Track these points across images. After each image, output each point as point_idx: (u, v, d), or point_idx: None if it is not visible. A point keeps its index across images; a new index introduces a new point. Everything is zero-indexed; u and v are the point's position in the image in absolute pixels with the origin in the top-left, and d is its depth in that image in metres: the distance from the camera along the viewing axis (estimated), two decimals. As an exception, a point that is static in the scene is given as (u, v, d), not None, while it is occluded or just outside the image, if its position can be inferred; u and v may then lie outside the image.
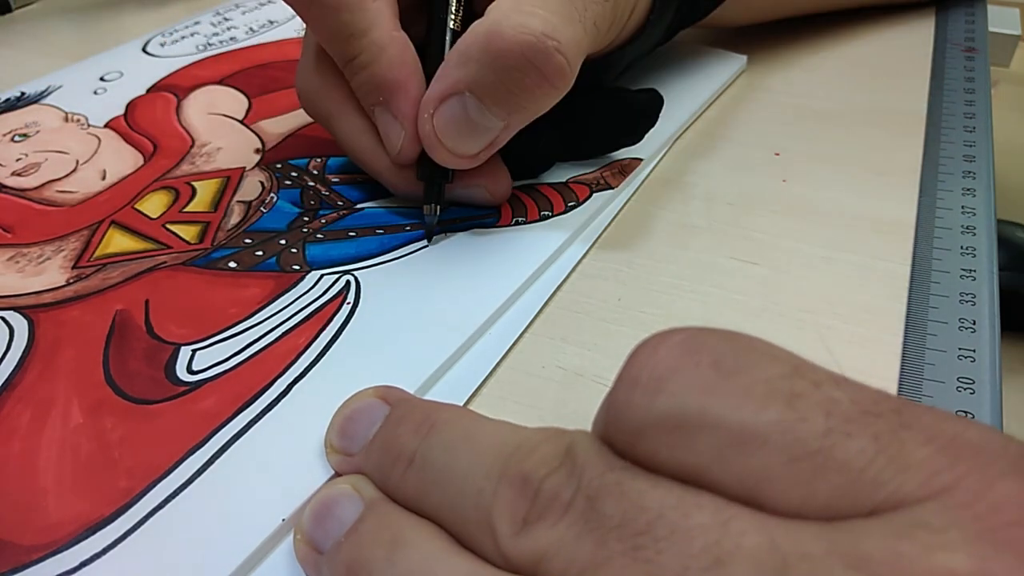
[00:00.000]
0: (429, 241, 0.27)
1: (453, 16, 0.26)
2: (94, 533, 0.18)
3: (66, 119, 0.36)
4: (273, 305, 0.24)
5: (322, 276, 0.25)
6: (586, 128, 0.30)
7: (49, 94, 0.38)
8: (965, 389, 0.22)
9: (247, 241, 0.27)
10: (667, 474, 0.13)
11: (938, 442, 0.12)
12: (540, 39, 0.22)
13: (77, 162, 0.33)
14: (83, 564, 0.17)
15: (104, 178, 0.32)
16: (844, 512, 0.11)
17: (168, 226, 0.28)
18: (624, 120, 0.30)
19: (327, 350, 0.22)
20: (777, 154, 0.32)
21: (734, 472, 0.12)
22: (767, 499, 0.12)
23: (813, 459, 0.12)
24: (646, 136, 0.31)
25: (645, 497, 0.12)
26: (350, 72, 0.26)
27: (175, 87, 0.39)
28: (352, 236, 0.27)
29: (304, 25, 0.28)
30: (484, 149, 0.25)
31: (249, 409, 0.21)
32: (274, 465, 0.19)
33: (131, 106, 0.37)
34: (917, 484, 0.11)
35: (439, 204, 0.26)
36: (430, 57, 0.26)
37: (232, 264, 0.26)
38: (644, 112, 0.30)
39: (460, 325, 0.23)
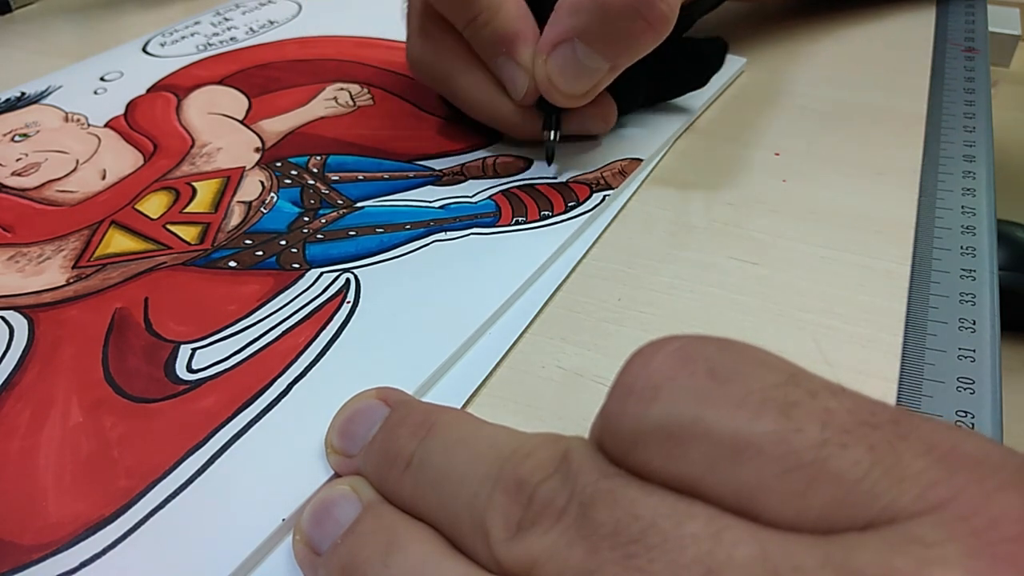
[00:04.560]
0: (550, 163, 0.30)
1: None
2: (94, 533, 0.18)
3: (66, 119, 0.36)
4: (273, 303, 0.24)
5: (322, 274, 0.25)
6: (667, 73, 0.33)
7: (49, 94, 0.38)
8: (965, 389, 0.22)
9: (247, 242, 0.27)
10: (661, 483, 0.13)
11: (936, 453, 0.11)
12: None
13: (77, 162, 0.33)
14: (83, 564, 0.17)
15: (104, 178, 0.32)
16: (839, 525, 0.11)
17: (168, 227, 0.28)
18: (695, 66, 0.33)
19: (327, 350, 0.22)
20: (777, 154, 0.32)
21: (728, 482, 0.12)
22: (761, 510, 0.12)
23: (807, 470, 0.12)
24: (647, 138, 0.31)
25: (638, 505, 0.12)
26: (472, 31, 0.29)
27: (175, 87, 0.39)
28: (352, 235, 0.27)
29: (404, 3, 0.32)
30: (591, 89, 0.28)
31: (249, 409, 0.21)
32: (274, 465, 0.19)
33: (131, 106, 0.37)
34: (913, 497, 0.11)
35: (557, 130, 0.30)
36: (541, 5, 0.28)
37: (232, 264, 0.26)
38: (712, 58, 0.33)
39: (460, 325, 0.23)
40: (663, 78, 0.33)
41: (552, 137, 0.30)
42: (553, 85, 0.27)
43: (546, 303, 0.25)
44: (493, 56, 0.29)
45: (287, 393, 0.21)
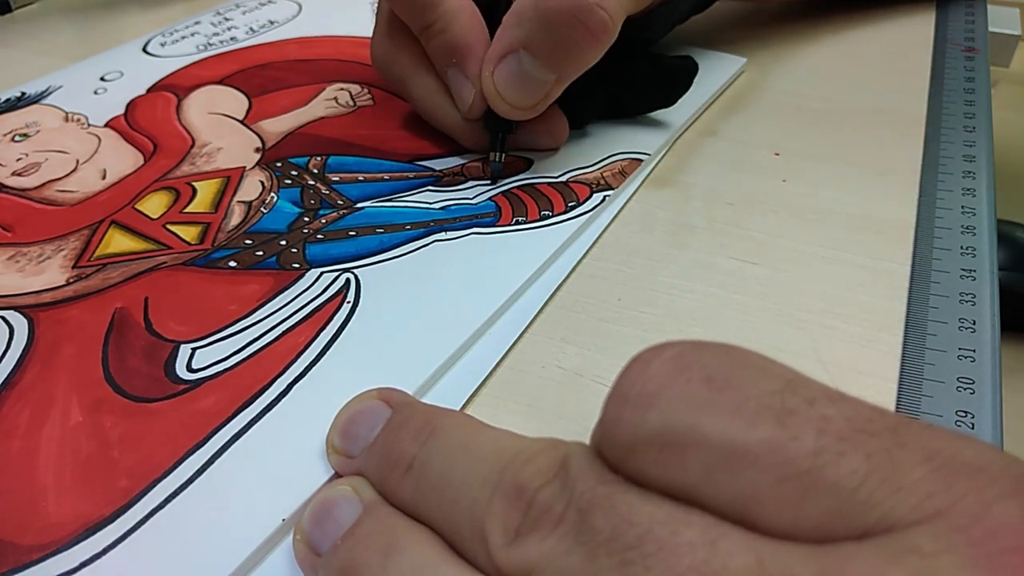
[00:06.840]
0: (494, 183, 0.30)
1: None
2: (94, 533, 0.18)
3: (66, 119, 0.36)
4: (273, 303, 0.24)
5: (322, 274, 0.25)
6: (629, 87, 0.32)
7: (49, 94, 0.38)
8: (965, 389, 0.22)
9: (247, 242, 0.27)
10: (659, 491, 0.13)
11: (935, 462, 0.11)
12: None
13: (77, 162, 0.33)
14: (83, 564, 0.17)
15: (104, 178, 0.32)
16: (835, 534, 0.11)
17: (168, 226, 0.28)
18: (661, 83, 0.32)
19: (327, 349, 0.22)
20: (777, 154, 0.32)
21: (724, 491, 0.12)
22: (757, 519, 0.12)
23: (803, 479, 0.11)
24: (647, 138, 0.31)
25: (635, 512, 0.12)
26: (426, 38, 0.29)
27: (175, 87, 0.39)
28: (352, 235, 0.27)
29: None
30: (540, 101, 0.28)
31: (249, 409, 0.21)
32: (274, 465, 0.19)
33: (131, 106, 0.37)
34: (910, 506, 0.11)
35: (503, 152, 0.30)
36: (499, 19, 0.28)
37: (232, 263, 0.26)
38: (680, 77, 0.32)
39: (460, 325, 0.23)
40: (625, 92, 0.32)
41: (496, 158, 0.30)
42: (500, 97, 0.27)
43: (546, 303, 0.25)
44: (444, 65, 0.29)
45: (287, 393, 0.21)
